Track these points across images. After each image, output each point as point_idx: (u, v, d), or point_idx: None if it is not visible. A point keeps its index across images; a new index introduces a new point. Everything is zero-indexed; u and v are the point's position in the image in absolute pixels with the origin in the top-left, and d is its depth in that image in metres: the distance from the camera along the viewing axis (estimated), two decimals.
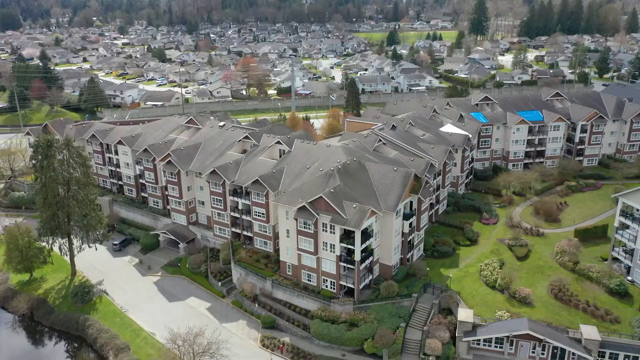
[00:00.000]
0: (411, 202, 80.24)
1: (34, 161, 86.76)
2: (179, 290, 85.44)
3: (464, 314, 67.61)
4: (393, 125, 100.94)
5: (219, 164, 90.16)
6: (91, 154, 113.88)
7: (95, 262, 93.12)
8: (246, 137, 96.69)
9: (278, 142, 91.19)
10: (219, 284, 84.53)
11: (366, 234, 71.52)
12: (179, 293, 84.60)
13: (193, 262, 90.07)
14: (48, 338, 79.71)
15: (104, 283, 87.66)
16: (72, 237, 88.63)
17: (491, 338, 65.73)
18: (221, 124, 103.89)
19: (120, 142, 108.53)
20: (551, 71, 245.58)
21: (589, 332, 63.59)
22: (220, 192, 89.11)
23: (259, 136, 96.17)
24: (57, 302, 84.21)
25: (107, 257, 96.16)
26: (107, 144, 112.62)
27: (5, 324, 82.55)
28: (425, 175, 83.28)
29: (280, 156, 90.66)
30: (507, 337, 64.79)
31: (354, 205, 70.34)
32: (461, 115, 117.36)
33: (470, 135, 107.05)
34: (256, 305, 78.39)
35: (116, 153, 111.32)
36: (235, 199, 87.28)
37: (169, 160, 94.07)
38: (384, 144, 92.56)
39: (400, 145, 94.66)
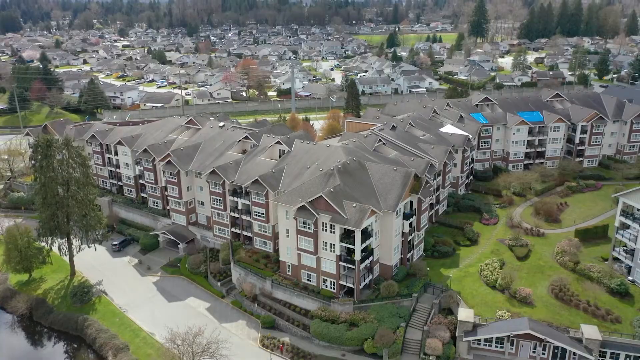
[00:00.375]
0: (411, 202, 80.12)
1: (33, 161, 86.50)
2: (179, 290, 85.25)
3: (465, 314, 67.42)
4: (393, 125, 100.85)
5: (219, 164, 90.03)
6: (91, 154, 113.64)
7: (95, 263, 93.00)
8: (246, 138, 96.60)
9: (278, 142, 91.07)
10: (219, 284, 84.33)
11: (366, 234, 71.35)
12: (178, 293, 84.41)
13: (193, 262, 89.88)
14: (47, 338, 79.48)
15: (103, 283, 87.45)
16: (71, 237, 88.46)
17: (492, 338, 65.56)
18: (221, 124, 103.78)
19: (120, 143, 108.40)
20: (551, 73, 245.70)
21: (590, 331, 63.42)
22: (220, 192, 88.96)
23: (258, 136, 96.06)
24: (56, 302, 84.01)
25: (107, 258, 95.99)
26: (107, 145, 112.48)
27: (4, 324, 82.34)
28: (426, 175, 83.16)
29: (280, 156, 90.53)
30: (508, 336, 64.61)
31: (354, 205, 70.16)
32: (461, 116, 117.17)
33: (470, 136, 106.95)
34: (256, 305, 78.17)
35: (116, 153, 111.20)
36: (235, 199, 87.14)
37: (169, 160, 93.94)
38: (384, 144, 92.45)
39: (400, 145, 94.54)
